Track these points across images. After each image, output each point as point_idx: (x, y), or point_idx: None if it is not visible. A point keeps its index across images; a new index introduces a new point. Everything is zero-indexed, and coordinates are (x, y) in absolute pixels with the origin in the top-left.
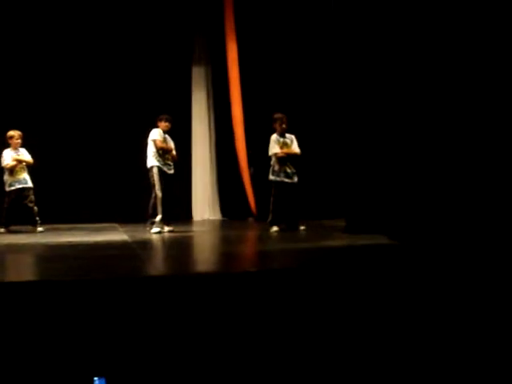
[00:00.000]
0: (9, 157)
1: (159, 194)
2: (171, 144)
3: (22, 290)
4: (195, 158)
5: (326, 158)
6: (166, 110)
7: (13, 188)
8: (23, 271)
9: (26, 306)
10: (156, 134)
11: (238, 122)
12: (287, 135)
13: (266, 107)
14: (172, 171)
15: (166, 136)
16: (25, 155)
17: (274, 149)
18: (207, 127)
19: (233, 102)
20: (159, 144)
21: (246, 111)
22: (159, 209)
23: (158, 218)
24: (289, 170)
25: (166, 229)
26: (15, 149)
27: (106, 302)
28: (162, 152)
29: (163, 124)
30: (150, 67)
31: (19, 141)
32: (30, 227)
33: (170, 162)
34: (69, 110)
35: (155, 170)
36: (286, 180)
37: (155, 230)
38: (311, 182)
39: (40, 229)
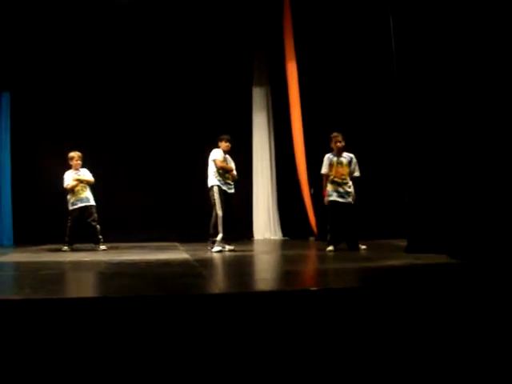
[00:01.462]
0: (69, 177)
1: (220, 213)
2: (231, 164)
3: (83, 307)
4: (256, 178)
5: (387, 176)
6: (227, 130)
7: (75, 207)
8: (85, 288)
9: (87, 323)
10: (217, 154)
11: (299, 142)
12: (345, 154)
13: (327, 127)
14: (232, 190)
15: (227, 156)
16: (86, 175)
17: (323, 169)
18: (267, 148)
19: (293, 122)
20: (219, 164)
21: (307, 131)
22: (220, 228)
23: (219, 236)
24: (341, 190)
25: (227, 248)
26: (76, 169)
27: (167, 319)
28: (223, 171)
29: (224, 144)
30: (212, 88)
31: (79, 162)
32: (92, 245)
33: (230, 182)
34: (131, 131)
35: (216, 189)
36: (339, 200)
37: (216, 248)
38: (372, 202)
39: (102, 247)
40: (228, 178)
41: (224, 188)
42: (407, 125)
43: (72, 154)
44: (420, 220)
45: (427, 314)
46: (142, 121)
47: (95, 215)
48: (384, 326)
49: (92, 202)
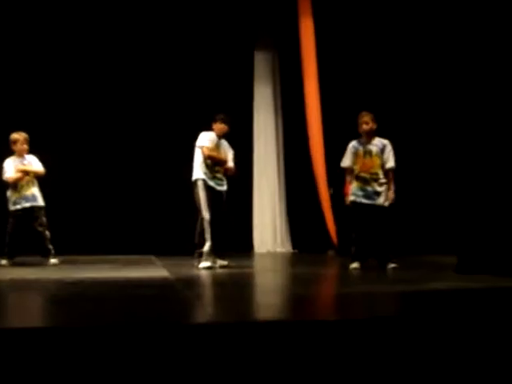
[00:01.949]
0: (11, 167)
1: (206, 215)
2: (229, 153)
3: (26, 338)
4: (258, 173)
5: (433, 175)
6: (218, 110)
7: (18, 207)
8: (29, 315)
9: (30, 357)
10: (204, 139)
11: (315, 125)
12: (376, 141)
13: (353, 105)
14: (223, 188)
15: (222, 142)
16: (33, 164)
17: (345, 161)
18: (273, 132)
19: (308, 98)
20: (206, 152)
21: (326, 111)
22: (207, 235)
23: (207, 247)
24: (369, 189)
25: (219, 263)
26: (21, 156)
27: (137, 353)
28: (212, 163)
29: (218, 126)
30: (200, 51)
31: (25, 146)
32: (40, 258)
33: (220, 176)
34: (92, 108)
35: (200, 184)
36: (364, 201)
37: (204, 264)
38: (411, 207)
39: (53, 260)
40: (218, 172)
41: (211, 183)
42: (467, 126)
43: (15, 135)
44: (477, 233)
45: (483, 353)
46: (114, 100)
47: (44, 219)
48: (423, 368)
49: (40, 202)
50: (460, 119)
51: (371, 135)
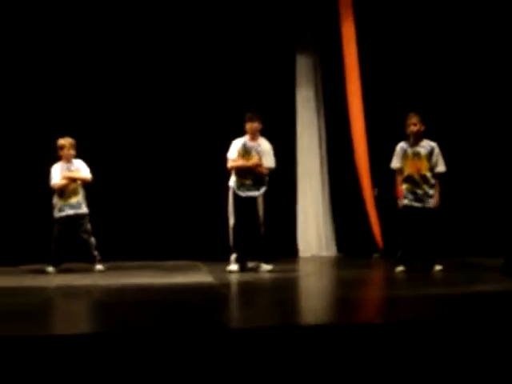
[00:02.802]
0: (58, 173)
1: (230, 221)
2: (262, 155)
3: (74, 345)
4: (301, 175)
5: (478, 178)
6: (260, 112)
7: (63, 214)
8: (76, 321)
9: (80, 363)
10: (231, 150)
11: (358, 129)
12: (424, 143)
13: (398, 107)
14: (254, 193)
15: (255, 144)
16: (81, 170)
17: (394, 162)
18: (316, 135)
19: (350, 99)
20: (229, 165)
21: (369, 112)
22: (231, 241)
23: (233, 255)
24: (419, 192)
25: (263, 268)
26: (68, 162)
27: (183, 359)
28: (241, 171)
29: (247, 126)
30: (241, 56)
31: (72, 151)
32: (86, 265)
33: (249, 183)
34: (142, 114)
35: (230, 192)
36: (415, 204)
37: (229, 267)
38: (457, 209)
39: (99, 267)
40: (247, 179)
41: (238, 192)
42: None
43: (61, 141)
44: None
45: None
46: (154, 103)
47: (88, 226)
48: (469, 369)
49: (84, 210)
50: (509, 120)
51: (419, 137)
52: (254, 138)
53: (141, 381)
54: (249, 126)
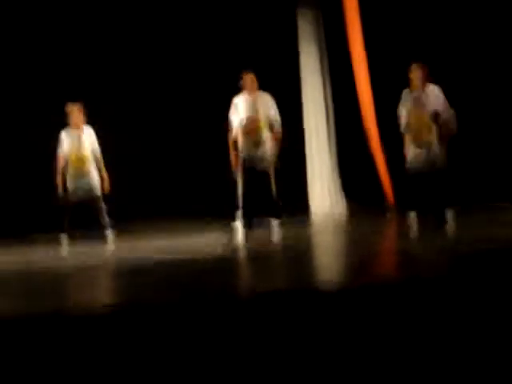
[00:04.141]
0: (65, 140)
1: (239, 179)
2: (266, 107)
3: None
4: (309, 134)
5: (485, 125)
6: (264, 70)
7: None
8: (91, 293)
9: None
10: (231, 113)
11: (363, 83)
12: (429, 87)
13: (401, 57)
14: (256, 153)
15: (257, 97)
16: (88, 138)
17: (402, 114)
18: (321, 93)
19: (353, 53)
20: (231, 136)
21: (373, 65)
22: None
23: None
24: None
25: (273, 223)
26: (77, 128)
27: (201, 328)
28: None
29: (245, 79)
30: (238, 11)
31: (80, 117)
32: (97, 232)
33: (249, 143)
34: (150, 77)
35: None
36: (419, 165)
37: (234, 224)
38: (473, 157)
39: (109, 233)
40: (248, 139)
41: (243, 155)
42: None
43: (70, 106)
44: None
45: None
46: (155, 68)
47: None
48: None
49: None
50: None
51: (422, 84)
52: (252, 91)
53: (157, 349)
54: (244, 83)
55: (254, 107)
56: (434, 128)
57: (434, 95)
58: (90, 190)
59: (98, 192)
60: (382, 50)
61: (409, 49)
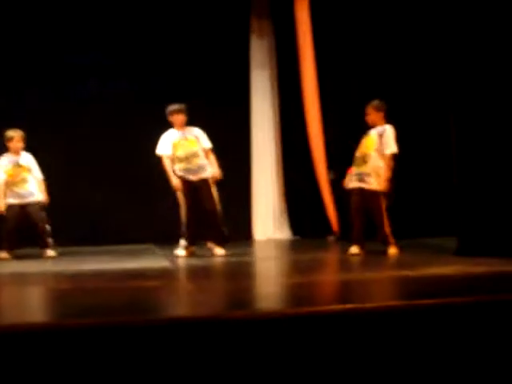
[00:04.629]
0: (4, 166)
1: (183, 205)
2: (191, 139)
3: (25, 336)
4: (256, 158)
5: (428, 158)
6: (217, 96)
7: (12, 202)
8: (28, 310)
9: (34, 354)
10: (162, 143)
11: (313, 112)
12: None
13: (353, 89)
14: (199, 176)
15: (187, 132)
16: (31, 166)
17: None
18: (271, 117)
19: (305, 83)
20: (165, 163)
21: (324, 96)
22: (183, 225)
23: (182, 239)
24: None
25: (216, 252)
26: (16, 154)
27: (143, 354)
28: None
29: (174, 118)
30: (194, 36)
31: (20, 144)
32: (38, 250)
33: (191, 166)
34: (89, 100)
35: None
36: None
37: (177, 252)
38: (408, 189)
39: (51, 252)
40: (190, 162)
41: (187, 176)
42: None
43: (11, 133)
44: (476, 211)
45: (492, 345)
46: (103, 93)
47: (42, 214)
48: (432, 361)
49: (35, 198)
50: (461, 98)
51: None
52: (182, 129)
53: (96, 372)
54: (176, 118)
55: (190, 136)
56: None
57: None
58: (30, 195)
59: (38, 197)
60: (335, 81)
61: (361, 80)
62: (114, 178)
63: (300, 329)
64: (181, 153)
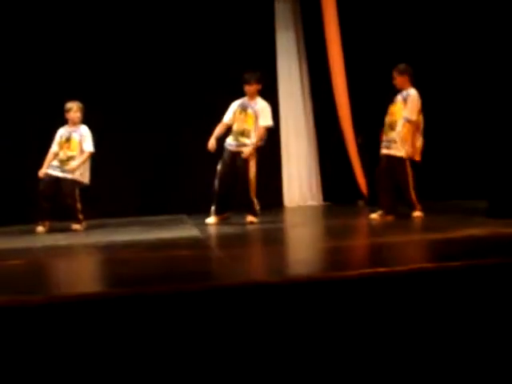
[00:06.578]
0: (57, 137)
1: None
2: (250, 114)
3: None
4: (284, 126)
5: (460, 123)
6: (240, 62)
7: (51, 172)
8: (69, 281)
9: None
10: (228, 110)
11: (339, 75)
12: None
13: (378, 54)
14: (233, 147)
15: (252, 104)
16: (83, 137)
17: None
18: (298, 83)
19: (330, 47)
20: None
21: (350, 60)
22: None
23: (213, 205)
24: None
25: (248, 219)
26: (73, 125)
27: (174, 322)
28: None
29: (245, 88)
30: (216, 5)
31: (77, 114)
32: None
33: (233, 137)
34: (121, 75)
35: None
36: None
37: (208, 219)
38: (438, 152)
39: (76, 226)
40: (237, 139)
41: (227, 146)
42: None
43: (70, 104)
44: (507, 173)
45: None
46: (133, 61)
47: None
48: (466, 322)
49: (73, 175)
50: (493, 62)
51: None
52: (251, 99)
53: (135, 339)
54: (246, 88)
55: (250, 111)
56: None
57: None
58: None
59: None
60: (360, 45)
61: (386, 44)
62: (146, 144)
63: (333, 293)
64: (235, 127)
